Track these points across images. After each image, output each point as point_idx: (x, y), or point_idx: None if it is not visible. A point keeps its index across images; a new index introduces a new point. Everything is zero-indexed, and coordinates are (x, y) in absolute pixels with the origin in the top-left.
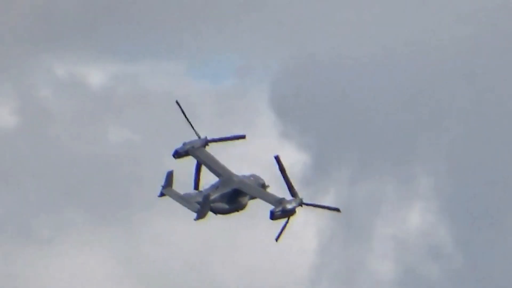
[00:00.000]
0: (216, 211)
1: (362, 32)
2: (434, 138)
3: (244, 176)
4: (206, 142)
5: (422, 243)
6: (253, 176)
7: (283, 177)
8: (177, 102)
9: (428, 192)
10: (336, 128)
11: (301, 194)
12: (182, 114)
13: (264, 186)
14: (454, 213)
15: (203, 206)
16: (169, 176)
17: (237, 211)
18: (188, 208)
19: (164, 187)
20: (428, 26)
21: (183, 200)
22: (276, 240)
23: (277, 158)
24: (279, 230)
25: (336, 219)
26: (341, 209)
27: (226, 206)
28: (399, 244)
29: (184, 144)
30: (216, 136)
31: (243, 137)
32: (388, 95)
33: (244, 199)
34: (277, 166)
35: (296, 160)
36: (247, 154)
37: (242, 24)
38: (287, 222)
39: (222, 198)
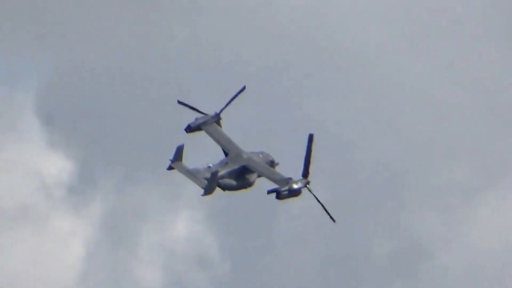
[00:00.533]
0: (224, 188)
1: (126, 44)
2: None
3: (253, 153)
4: (218, 117)
5: (189, 251)
6: (262, 153)
7: (306, 156)
8: (179, 102)
9: (194, 201)
10: (102, 137)
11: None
12: (189, 108)
13: (273, 163)
14: (220, 222)
15: (210, 182)
16: (179, 150)
17: (245, 188)
18: (196, 183)
19: (173, 160)
20: None
21: (191, 175)
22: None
23: (310, 137)
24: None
25: (103, 227)
26: (335, 221)
27: (234, 182)
28: (165, 252)
29: (197, 119)
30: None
31: (243, 88)
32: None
33: (252, 177)
34: (307, 145)
35: (62, 169)
36: (11, 162)
37: (7, 31)
38: (318, 201)
39: (230, 174)
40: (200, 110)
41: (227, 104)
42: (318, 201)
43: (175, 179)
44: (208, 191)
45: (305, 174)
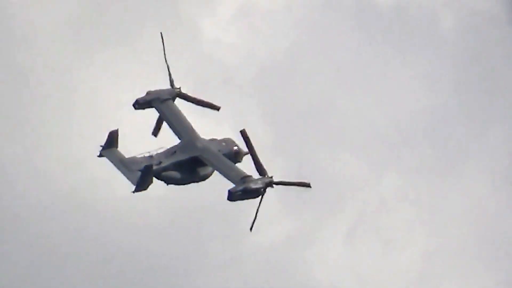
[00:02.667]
0: (167, 181)
1: None
2: None
3: (213, 140)
4: (177, 95)
5: None
6: (226, 141)
7: (250, 153)
8: (161, 34)
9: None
10: None
11: (271, 172)
12: (162, 50)
13: (237, 154)
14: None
15: (143, 177)
16: (112, 136)
17: (194, 181)
18: (126, 177)
19: (104, 147)
20: None
21: (123, 166)
22: (250, 230)
23: (243, 133)
24: (252, 219)
25: None
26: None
27: (179, 175)
28: None
29: (148, 93)
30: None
31: (216, 108)
32: None
33: (204, 170)
34: (243, 142)
35: None
36: None
37: None
38: (259, 207)
39: (176, 166)
40: (170, 71)
41: (284, 183)
42: (288, 183)
43: (103, 169)
44: (139, 187)
45: (261, 172)
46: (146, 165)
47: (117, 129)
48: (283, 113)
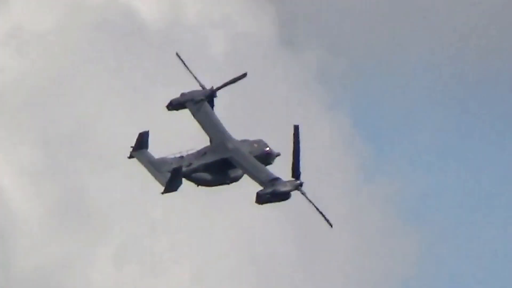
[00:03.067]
0: (197, 182)
1: None
2: None
3: (245, 141)
4: (212, 94)
5: None
6: (258, 142)
7: (295, 151)
8: (177, 54)
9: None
10: None
11: (303, 177)
12: (183, 65)
13: (269, 156)
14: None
15: (171, 179)
16: (142, 137)
17: (225, 183)
18: (155, 178)
19: (135, 148)
20: None
21: (153, 167)
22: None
23: (296, 128)
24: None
25: None
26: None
27: (209, 177)
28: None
29: (182, 94)
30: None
31: (245, 75)
32: None
33: (235, 171)
34: (293, 137)
35: None
36: None
37: None
38: (315, 207)
39: (207, 167)
40: (197, 77)
41: (225, 85)
42: (314, 205)
43: (134, 170)
44: (168, 188)
45: (296, 174)
46: (174, 168)
47: (148, 131)
48: (51, 137)
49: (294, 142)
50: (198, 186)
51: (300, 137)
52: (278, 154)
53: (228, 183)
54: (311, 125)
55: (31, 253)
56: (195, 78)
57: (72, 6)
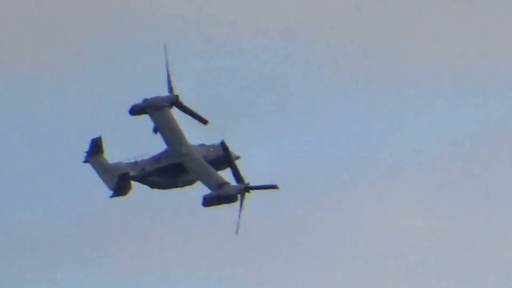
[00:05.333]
0: (151, 185)
1: None
2: None
3: (201, 145)
4: (174, 102)
5: None
6: (215, 146)
7: (229, 162)
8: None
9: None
10: None
11: (246, 179)
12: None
13: (227, 157)
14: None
15: (119, 184)
16: (95, 143)
17: (178, 186)
18: (105, 183)
19: (89, 153)
20: None
21: (105, 172)
22: (236, 233)
23: (223, 144)
24: (236, 221)
25: None
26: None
27: (162, 181)
28: None
29: (145, 100)
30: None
31: (204, 121)
32: None
33: (189, 175)
34: (223, 152)
35: None
36: None
37: None
38: (240, 211)
39: (160, 171)
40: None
41: (187, 111)
42: (259, 187)
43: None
44: (117, 192)
45: (238, 180)
46: (120, 173)
47: (100, 136)
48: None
49: (226, 155)
50: (152, 188)
51: (230, 150)
52: (238, 157)
53: (182, 186)
54: None
55: None
56: (168, 77)
57: None
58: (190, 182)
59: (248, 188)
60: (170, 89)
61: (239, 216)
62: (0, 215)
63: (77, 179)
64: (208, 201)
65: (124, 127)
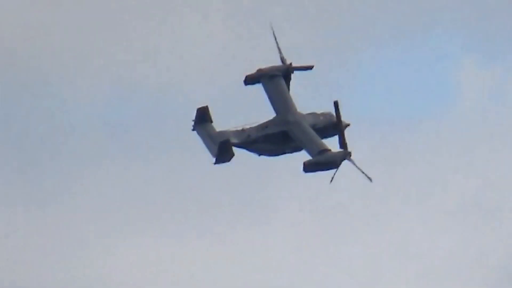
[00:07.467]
0: (259, 152)
1: None
2: None
3: (311, 114)
4: (288, 70)
5: None
6: (324, 114)
7: (338, 125)
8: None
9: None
10: None
11: (350, 147)
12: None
13: (337, 126)
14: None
15: (220, 151)
16: (201, 112)
17: (285, 153)
18: (209, 151)
19: (196, 122)
20: None
21: (210, 139)
22: (330, 182)
23: (336, 104)
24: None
25: None
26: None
27: (269, 147)
28: None
29: (259, 70)
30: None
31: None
32: None
33: (295, 143)
34: (335, 113)
35: None
36: None
37: None
38: (335, 172)
39: (266, 139)
40: (281, 49)
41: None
42: (358, 168)
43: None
44: (219, 159)
45: (342, 145)
46: (221, 141)
47: (206, 106)
48: None
49: (337, 117)
50: (259, 156)
51: (341, 111)
52: (348, 125)
53: (290, 153)
54: None
55: None
56: (278, 48)
57: None
58: (297, 149)
59: (349, 155)
60: (282, 59)
61: (335, 172)
62: (117, 185)
63: (184, 147)
64: (308, 167)
65: (237, 96)
